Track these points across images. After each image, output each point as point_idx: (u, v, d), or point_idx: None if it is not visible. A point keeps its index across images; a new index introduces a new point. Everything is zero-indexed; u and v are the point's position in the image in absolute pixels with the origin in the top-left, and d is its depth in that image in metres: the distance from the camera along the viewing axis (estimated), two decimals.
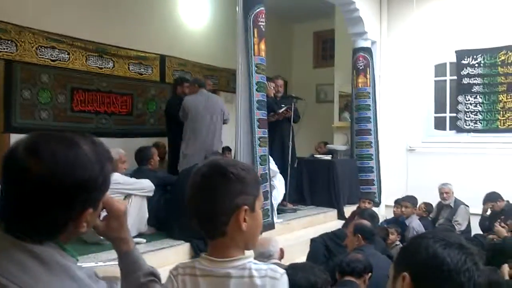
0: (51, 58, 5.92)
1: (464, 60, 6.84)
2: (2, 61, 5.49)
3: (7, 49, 5.47)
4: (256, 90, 4.89)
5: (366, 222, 3.82)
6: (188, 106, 5.48)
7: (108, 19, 6.46)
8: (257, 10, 4.91)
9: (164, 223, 4.42)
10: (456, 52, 6.87)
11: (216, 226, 1.24)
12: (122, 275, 1.25)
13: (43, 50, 5.81)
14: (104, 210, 1.18)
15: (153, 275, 1.25)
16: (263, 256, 3.05)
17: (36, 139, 0.95)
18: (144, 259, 1.26)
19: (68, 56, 6.10)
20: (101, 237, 3.78)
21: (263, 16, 4.99)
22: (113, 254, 3.61)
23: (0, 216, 0.96)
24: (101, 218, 1.20)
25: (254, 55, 4.89)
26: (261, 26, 4.97)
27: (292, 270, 2.21)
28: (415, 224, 5.50)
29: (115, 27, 6.57)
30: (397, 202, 5.96)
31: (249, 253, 1.33)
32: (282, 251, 3.12)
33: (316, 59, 10.07)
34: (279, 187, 5.47)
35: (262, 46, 5.00)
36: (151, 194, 4.29)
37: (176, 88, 6.34)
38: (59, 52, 5.99)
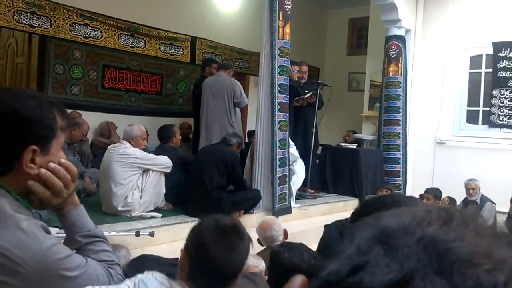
0: (84, 35, 6.08)
1: (502, 52, 6.55)
2: (37, 36, 5.70)
3: (42, 24, 5.66)
4: (279, 73, 4.88)
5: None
6: (202, 87, 5.60)
7: None
8: None
9: (182, 199, 4.51)
10: (494, 44, 6.59)
11: None
12: (66, 234, 1.22)
13: (76, 27, 5.98)
14: None
15: (95, 236, 1.21)
16: (267, 241, 3.07)
17: None
18: (86, 221, 1.20)
19: (100, 34, 6.25)
20: (119, 209, 3.85)
21: None
22: (128, 225, 3.70)
23: None
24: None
25: (278, 38, 4.86)
26: (287, 9, 4.93)
27: (281, 248, 2.21)
28: None
29: (148, 7, 6.67)
30: (422, 194, 5.84)
31: None
32: (285, 232, 3.12)
33: (350, 47, 9.89)
34: (299, 173, 5.45)
35: (287, 29, 4.97)
36: (168, 170, 4.38)
37: (204, 69, 6.40)
38: (92, 30, 6.14)
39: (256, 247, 3.19)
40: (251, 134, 6.81)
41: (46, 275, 1.03)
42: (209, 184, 4.24)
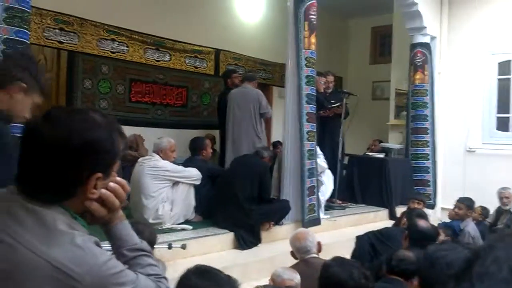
0: (111, 50, 6.18)
1: None
2: (65, 52, 5.82)
3: (70, 40, 5.77)
4: (306, 84, 4.86)
5: (421, 223, 3.65)
6: (228, 99, 5.64)
7: (165, 13, 6.64)
8: (308, 2, 4.87)
9: (211, 212, 4.50)
10: None
11: None
12: (113, 249, 1.21)
13: (103, 42, 6.08)
14: None
15: (141, 250, 1.20)
16: (300, 252, 3.02)
17: (51, 109, 1.04)
18: (132, 234, 1.21)
19: (127, 48, 6.34)
20: (150, 221, 3.83)
21: (315, 9, 4.93)
22: (159, 238, 3.67)
23: (16, 181, 1.03)
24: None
25: (304, 48, 4.85)
26: (312, 19, 4.92)
27: (332, 261, 2.16)
28: (471, 229, 5.21)
29: (172, 21, 6.75)
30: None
31: None
32: (319, 244, 3.07)
33: (373, 55, 9.82)
34: (327, 183, 5.40)
35: (313, 39, 4.95)
36: (197, 182, 4.38)
37: (226, 80, 6.43)
38: (118, 45, 6.24)
39: (289, 261, 3.17)
40: (276, 145, 6.80)
41: None
42: (241, 195, 4.23)
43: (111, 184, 1.11)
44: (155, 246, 3.55)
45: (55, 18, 5.61)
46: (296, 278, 2.50)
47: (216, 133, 6.70)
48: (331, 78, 6.18)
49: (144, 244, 1.22)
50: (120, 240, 1.18)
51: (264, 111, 5.56)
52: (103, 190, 1.09)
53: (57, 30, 5.64)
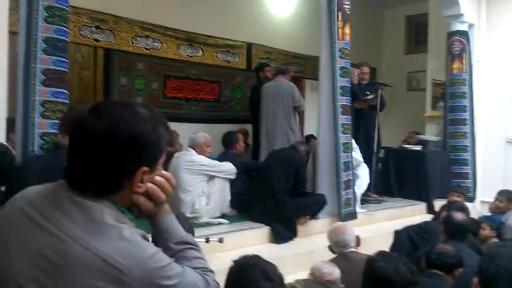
0: (146, 47, 6.27)
1: None
2: (101, 49, 5.93)
3: (106, 38, 5.89)
4: (340, 75, 4.79)
5: (456, 216, 3.57)
6: (261, 93, 5.63)
7: (198, 8, 6.67)
8: None
9: (246, 206, 4.51)
10: None
11: None
12: (159, 242, 1.21)
13: (138, 39, 6.17)
14: None
15: (187, 243, 1.21)
16: (338, 246, 2.99)
17: (97, 103, 1.05)
18: (178, 228, 1.22)
19: (161, 45, 6.42)
20: (187, 215, 3.88)
21: None
22: (196, 232, 3.70)
23: (65, 175, 1.05)
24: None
25: (338, 39, 4.78)
26: (346, 9, 4.84)
27: (377, 256, 2.13)
28: None
29: (205, 16, 6.77)
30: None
31: None
32: (358, 238, 3.03)
33: (408, 45, 9.58)
34: (363, 177, 5.32)
35: (347, 30, 4.87)
36: (233, 177, 4.40)
37: (258, 74, 6.42)
38: (152, 41, 6.33)
39: (325, 255, 3.14)
40: (309, 138, 6.74)
41: (148, 283, 1.02)
42: (277, 188, 4.22)
43: (157, 178, 1.11)
44: None
45: (91, 16, 5.72)
46: (336, 272, 2.47)
47: (249, 127, 6.70)
48: (366, 69, 6.07)
49: (190, 237, 1.23)
50: (166, 233, 1.19)
51: (297, 104, 5.52)
52: (150, 184, 1.09)
53: (93, 28, 5.76)
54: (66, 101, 3.20)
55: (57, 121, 3.09)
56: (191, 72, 6.84)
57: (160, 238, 1.19)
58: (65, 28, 3.23)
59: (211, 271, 1.22)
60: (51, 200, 1.04)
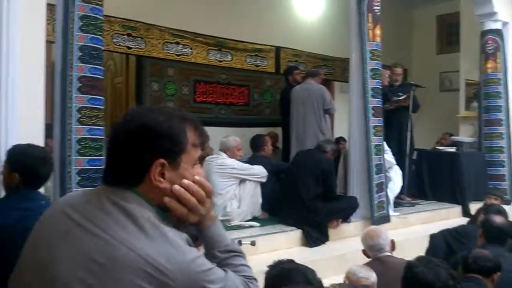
0: (176, 53, 6.37)
1: None
2: (133, 56, 6.06)
3: (138, 45, 6.01)
4: (371, 77, 4.74)
5: (496, 219, 3.46)
6: (291, 96, 5.63)
7: (226, 14, 6.74)
8: None
9: (277, 208, 4.51)
10: None
11: None
12: (205, 249, 1.23)
13: (168, 45, 6.28)
14: None
15: (233, 251, 1.21)
16: (373, 250, 2.95)
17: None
18: (224, 236, 1.21)
19: (191, 50, 6.51)
20: (219, 218, 3.93)
21: (379, 0, 4.79)
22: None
23: (103, 178, 1.11)
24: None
25: (368, 41, 4.73)
26: (376, 11, 4.79)
27: (417, 261, 2.09)
28: None
29: (233, 21, 6.84)
30: None
31: None
32: (393, 242, 2.97)
33: (440, 45, 9.40)
34: (395, 179, 5.23)
35: (378, 31, 4.82)
36: (263, 180, 4.41)
37: (287, 77, 6.43)
38: (182, 47, 6.42)
39: (358, 259, 3.11)
40: (339, 140, 6.70)
41: (192, 287, 1.03)
42: (305, 193, 4.20)
43: (184, 181, 1.10)
44: None
45: (123, 24, 5.85)
46: (373, 276, 2.43)
47: (279, 130, 6.70)
48: (398, 70, 5.98)
49: (236, 245, 1.23)
50: (212, 241, 1.19)
51: (328, 106, 5.49)
52: (176, 186, 1.08)
53: (125, 36, 5.89)
54: (102, 107, 3.28)
55: (93, 127, 3.17)
56: (220, 76, 6.91)
57: (206, 246, 1.20)
58: (99, 37, 3.31)
59: (255, 279, 1.21)
60: (94, 203, 1.06)
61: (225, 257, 1.18)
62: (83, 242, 1.01)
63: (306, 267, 1.69)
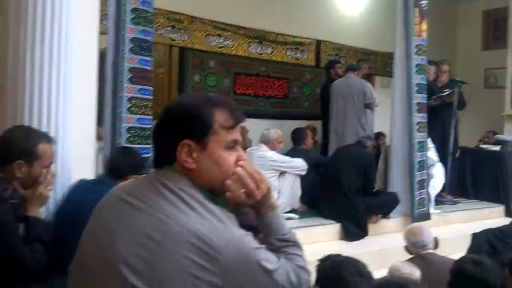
0: (218, 45, 6.44)
1: None
2: (176, 48, 6.17)
3: (181, 37, 6.11)
4: (416, 72, 4.66)
5: None
6: (331, 90, 5.61)
7: (268, 7, 6.74)
8: None
9: (316, 201, 4.53)
10: None
11: None
12: (263, 235, 1.25)
13: (211, 38, 6.37)
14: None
15: (290, 240, 1.22)
16: (416, 247, 2.93)
17: None
18: (282, 224, 1.23)
19: (232, 43, 6.57)
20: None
21: None
22: None
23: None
24: None
25: (414, 35, 4.65)
26: (423, 5, 4.71)
27: (465, 259, 2.07)
28: None
29: (274, 14, 6.84)
30: None
31: None
32: (436, 240, 2.95)
33: (486, 41, 9.09)
34: (437, 177, 5.14)
35: (424, 26, 4.75)
36: (303, 172, 4.43)
37: (329, 71, 6.40)
38: (224, 40, 6.49)
39: (398, 255, 3.09)
40: (378, 136, 6.61)
41: (244, 264, 1.06)
42: (346, 186, 4.20)
43: (242, 162, 1.15)
44: None
45: (167, 16, 5.96)
46: (417, 273, 2.42)
47: (317, 124, 6.69)
48: (445, 67, 5.84)
49: (292, 235, 1.25)
50: (270, 228, 1.21)
51: (369, 101, 5.44)
52: (239, 168, 1.13)
53: (169, 28, 6.01)
54: (151, 97, 3.38)
55: (142, 116, 3.27)
56: (260, 69, 6.95)
57: (263, 232, 1.23)
58: (150, 30, 3.41)
59: (308, 271, 1.21)
60: (145, 186, 1.13)
61: (281, 245, 1.20)
62: (138, 221, 1.07)
63: (357, 260, 1.72)
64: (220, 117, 1.14)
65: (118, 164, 2.46)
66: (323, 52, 7.57)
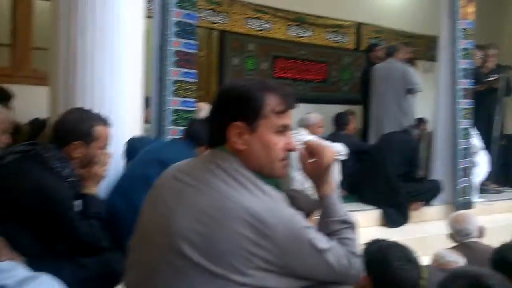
0: (257, 28, 6.42)
1: None
2: (216, 31, 6.20)
3: (220, 20, 6.13)
4: (462, 57, 4.52)
5: None
6: (372, 74, 5.52)
7: None
8: None
9: (356, 187, 4.50)
10: None
11: None
12: (319, 216, 1.32)
13: (250, 20, 6.35)
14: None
15: (348, 222, 1.28)
16: (460, 235, 2.90)
17: None
18: (341, 206, 1.30)
19: (271, 26, 6.54)
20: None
21: None
22: None
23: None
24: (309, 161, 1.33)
25: (460, 19, 4.50)
26: None
27: (508, 244, 2.05)
28: None
29: None
30: None
31: None
32: (481, 229, 2.91)
33: None
34: (482, 165, 5.01)
35: (470, 9, 4.58)
36: (343, 158, 4.40)
37: (369, 54, 6.28)
38: (263, 22, 6.46)
39: (440, 242, 3.05)
40: (419, 122, 6.47)
41: (295, 242, 1.10)
42: (390, 172, 4.16)
43: (309, 141, 1.30)
44: None
45: None
46: (462, 261, 2.40)
47: (356, 108, 6.61)
48: (493, 51, 5.64)
49: (351, 217, 1.29)
50: (329, 209, 1.28)
51: (410, 86, 5.32)
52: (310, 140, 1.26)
53: (209, 11, 6.02)
54: (195, 80, 3.43)
55: (186, 99, 3.33)
56: (299, 52, 6.89)
57: (322, 213, 1.28)
58: (194, 13, 3.44)
59: (359, 258, 1.25)
60: (200, 166, 1.20)
61: (339, 228, 1.25)
62: (194, 199, 1.13)
63: (405, 245, 1.72)
64: (271, 101, 1.18)
65: (200, 132, 2.48)
66: (364, 35, 7.42)
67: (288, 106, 1.22)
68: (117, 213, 2.11)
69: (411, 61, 6.67)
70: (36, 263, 1.19)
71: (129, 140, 2.54)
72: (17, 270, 1.13)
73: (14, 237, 1.74)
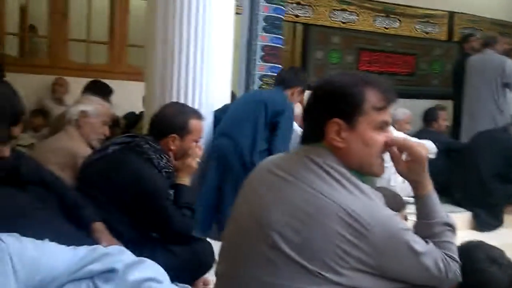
0: (342, 21, 6.31)
1: None
2: (301, 25, 6.18)
3: (305, 14, 6.10)
4: None
5: None
6: (466, 66, 5.20)
7: None
8: None
9: (446, 188, 4.28)
10: None
11: None
12: (416, 217, 1.26)
13: (335, 13, 6.25)
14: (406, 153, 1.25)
15: (448, 225, 1.22)
16: None
17: None
18: (440, 207, 1.24)
19: (357, 17, 6.39)
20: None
21: None
22: None
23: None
24: (404, 159, 1.25)
25: None
26: None
27: None
28: None
29: None
30: None
31: None
32: None
33: None
34: None
35: None
36: (432, 156, 4.19)
37: (463, 45, 5.92)
38: (349, 14, 6.34)
39: None
40: None
41: (392, 243, 1.07)
42: (485, 172, 3.91)
43: (393, 137, 1.21)
44: None
45: None
46: None
47: (448, 104, 6.26)
48: None
49: (451, 219, 1.23)
50: (428, 210, 1.23)
51: (508, 80, 4.95)
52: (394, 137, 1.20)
53: (294, 4, 6.02)
54: None
55: None
56: (386, 44, 6.68)
57: (419, 215, 1.23)
58: (282, 7, 3.46)
59: (458, 262, 1.19)
60: (295, 161, 1.18)
61: (439, 230, 1.20)
62: (289, 193, 1.12)
63: (492, 246, 1.61)
64: (371, 97, 1.14)
65: (287, 78, 2.74)
66: (457, 25, 7.01)
67: (389, 101, 1.17)
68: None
69: (509, 53, 6.20)
70: (131, 250, 1.27)
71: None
72: (125, 254, 1.22)
73: (113, 223, 1.86)
